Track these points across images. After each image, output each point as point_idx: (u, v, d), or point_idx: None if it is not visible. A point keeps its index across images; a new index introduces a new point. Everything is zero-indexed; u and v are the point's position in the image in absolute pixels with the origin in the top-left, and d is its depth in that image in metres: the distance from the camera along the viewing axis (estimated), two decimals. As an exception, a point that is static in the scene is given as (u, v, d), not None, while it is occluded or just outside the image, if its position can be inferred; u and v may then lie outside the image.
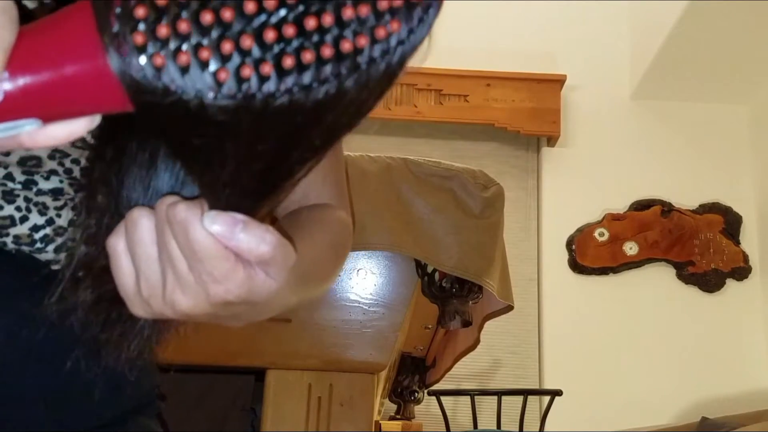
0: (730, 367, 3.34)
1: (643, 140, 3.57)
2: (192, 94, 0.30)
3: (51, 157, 0.47)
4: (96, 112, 0.33)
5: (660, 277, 3.47)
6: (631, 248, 3.47)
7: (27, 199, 0.48)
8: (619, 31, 3.63)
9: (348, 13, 0.30)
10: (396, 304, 1.22)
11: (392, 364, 1.75)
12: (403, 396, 2.23)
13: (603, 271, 3.46)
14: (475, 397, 2.72)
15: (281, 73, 0.30)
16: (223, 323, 0.40)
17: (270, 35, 0.30)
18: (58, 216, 0.49)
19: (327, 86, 0.31)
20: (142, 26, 0.30)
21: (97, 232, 0.41)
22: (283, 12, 0.30)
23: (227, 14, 0.30)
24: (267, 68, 0.30)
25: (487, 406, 2.93)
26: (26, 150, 0.45)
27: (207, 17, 0.30)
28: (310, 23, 0.30)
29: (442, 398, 2.75)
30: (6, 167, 0.47)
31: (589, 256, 3.46)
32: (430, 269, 1.21)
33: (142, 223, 0.36)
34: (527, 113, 3.48)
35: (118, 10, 0.30)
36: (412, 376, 2.11)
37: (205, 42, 0.30)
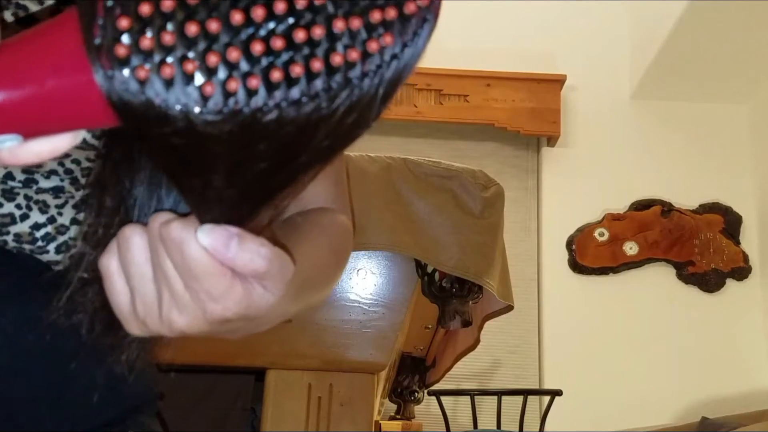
0: (730, 367, 3.34)
1: (643, 140, 3.57)
2: (177, 108, 0.29)
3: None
4: (80, 128, 0.32)
5: (660, 277, 3.47)
6: (631, 248, 3.47)
7: (27, 197, 0.47)
8: (619, 31, 3.63)
9: (339, 25, 0.29)
10: (396, 304, 1.22)
11: (392, 364, 1.75)
12: (403, 396, 2.23)
13: (603, 271, 3.46)
14: (475, 397, 2.72)
15: (269, 86, 0.29)
16: (220, 336, 0.39)
17: (257, 48, 0.29)
18: (60, 214, 0.48)
19: (317, 101, 0.30)
20: (125, 38, 0.29)
21: (105, 234, 0.41)
22: (271, 24, 0.29)
23: (213, 26, 0.29)
24: (254, 82, 0.29)
25: (487, 406, 2.93)
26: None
27: (192, 29, 0.29)
28: (300, 36, 0.29)
29: (442, 398, 2.75)
30: (6, 166, 0.46)
31: (589, 256, 3.46)
32: (430, 269, 1.21)
33: (134, 241, 0.35)
34: (527, 113, 3.48)
35: (100, 21, 0.29)
36: (412, 376, 2.11)
37: (190, 54, 0.29)
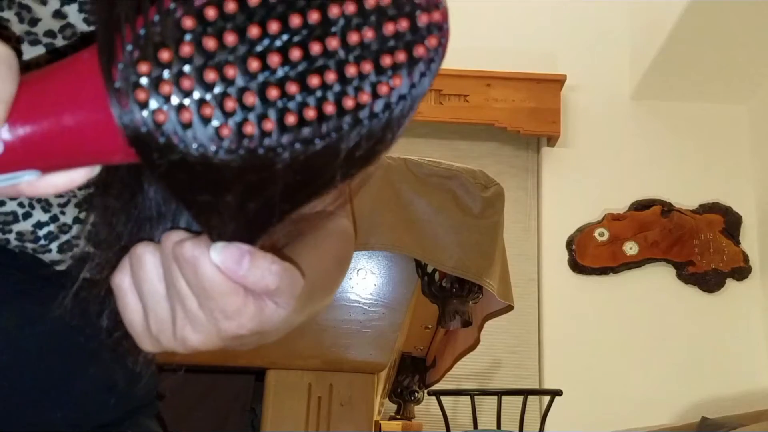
0: (730, 367, 3.33)
1: (643, 140, 3.57)
2: (194, 147, 0.30)
3: None
4: (98, 164, 0.33)
5: (660, 277, 3.46)
6: (631, 248, 3.47)
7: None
8: (619, 31, 3.63)
9: (351, 70, 0.30)
10: (396, 304, 1.22)
11: (392, 364, 1.75)
12: (403, 396, 2.23)
13: (603, 271, 3.46)
14: (475, 397, 2.72)
15: (283, 129, 0.30)
16: (230, 348, 0.40)
17: (273, 93, 0.30)
18: (62, 213, 0.48)
19: (328, 140, 0.31)
20: (144, 82, 0.30)
21: (108, 234, 0.41)
22: (286, 69, 0.30)
23: (231, 71, 0.30)
24: (269, 125, 0.30)
25: (487, 406, 2.93)
26: None
27: (210, 75, 0.30)
28: (314, 81, 0.30)
29: (442, 398, 2.75)
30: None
31: (589, 256, 3.46)
32: (430, 269, 1.21)
33: (147, 259, 0.36)
34: (527, 113, 3.48)
35: (120, 65, 0.30)
36: (412, 376, 2.11)
37: (207, 98, 0.30)
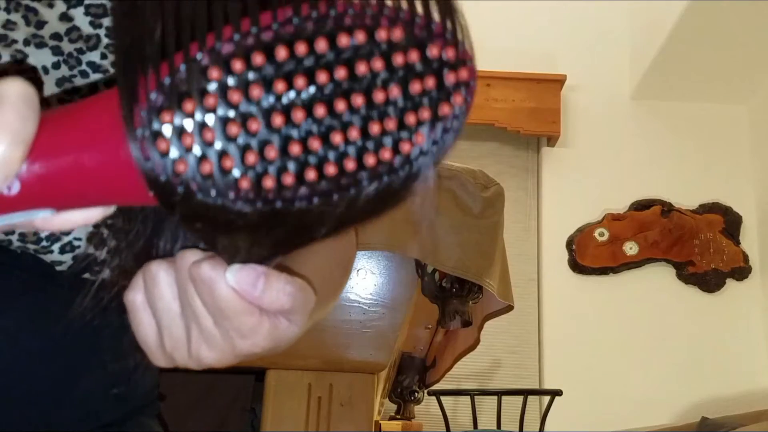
0: (730, 367, 3.33)
1: (643, 140, 3.57)
2: (212, 197, 0.30)
3: None
4: (114, 204, 0.33)
5: (660, 277, 3.46)
6: (631, 248, 3.47)
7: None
8: (619, 30, 3.63)
9: (375, 129, 0.30)
10: (396, 304, 1.22)
11: (392, 364, 1.75)
12: (403, 396, 2.23)
13: (603, 271, 3.45)
14: (475, 397, 2.72)
15: (302, 182, 0.31)
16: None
17: (295, 149, 0.30)
18: None
19: (345, 194, 0.31)
20: (166, 131, 0.30)
21: (109, 235, 0.41)
22: (309, 125, 0.30)
23: (254, 125, 0.30)
24: (289, 179, 0.30)
25: (487, 406, 2.93)
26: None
27: (233, 129, 0.30)
28: (336, 138, 0.30)
29: (442, 398, 2.75)
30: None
31: (589, 256, 3.45)
32: (430, 269, 1.21)
33: (161, 277, 0.36)
34: (527, 113, 3.47)
35: (143, 112, 0.30)
36: (412, 376, 2.11)
37: (229, 150, 0.30)
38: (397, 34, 0.30)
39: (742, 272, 3.43)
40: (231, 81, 0.30)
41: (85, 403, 0.50)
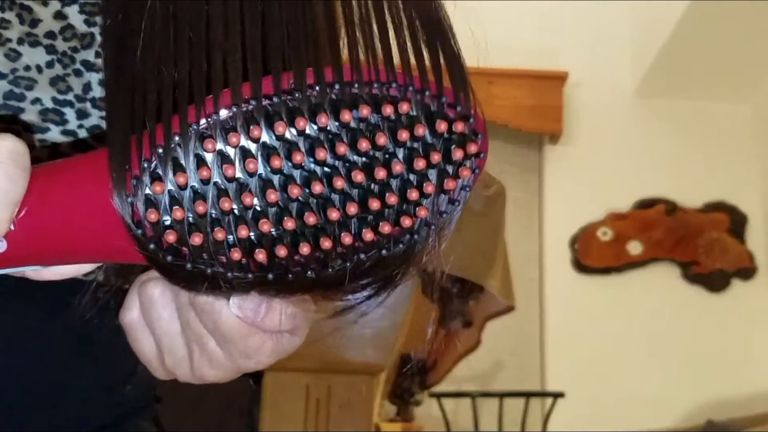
0: (736, 368, 3.31)
1: (647, 138, 3.55)
2: (201, 265, 0.29)
3: (51, 158, 0.45)
4: (104, 262, 0.33)
5: (664, 277, 3.44)
6: (634, 247, 3.45)
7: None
8: (622, 27, 3.61)
9: (374, 204, 0.29)
10: (396, 304, 1.20)
11: (392, 365, 1.73)
12: (402, 398, 2.21)
13: (606, 270, 3.44)
14: (477, 399, 2.71)
15: (296, 254, 0.29)
16: None
17: (289, 224, 0.29)
18: None
19: (341, 265, 0.30)
20: (158, 201, 0.28)
21: None
22: (305, 199, 0.29)
23: (248, 199, 0.28)
24: (282, 251, 0.29)
25: (488, 408, 2.91)
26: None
27: (226, 204, 0.29)
28: (333, 214, 0.29)
29: (443, 400, 2.73)
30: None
31: (593, 255, 3.44)
32: (430, 269, 1.18)
33: (157, 299, 0.36)
34: (529, 110, 3.45)
35: (134, 181, 0.28)
36: (412, 377, 2.08)
37: (222, 222, 0.29)
38: (405, 108, 0.29)
39: (747, 272, 3.41)
40: (227, 152, 0.28)
41: (80, 405, 0.49)
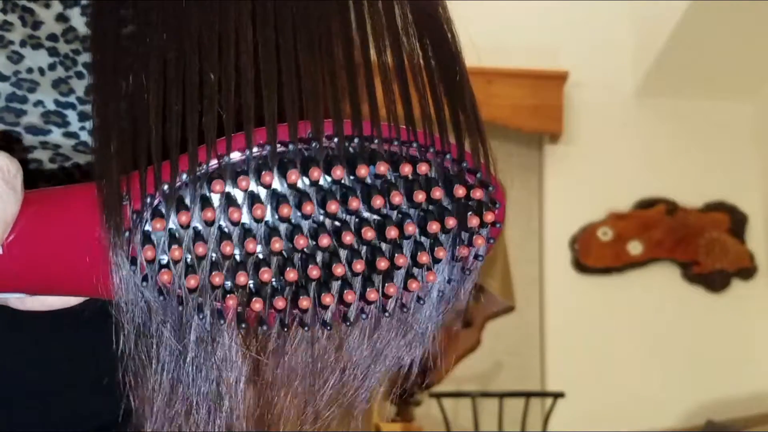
0: (736, 368, 3.30)
1: (647, 138, 3.54)
2: (193, 310, 0.28)
3: (52, 160, 0.45)
4: (91, 297, 0.31)
5: (665, 277, 3.43)
6: (635, 247, 3.44)
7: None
8: (622, 27, 3.60)
9: (382, 264, 0.28)
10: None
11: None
12: (402, 398, 2.20)
13: (606, 270, 3.43)
14: (477, 399, 2.69)
15: (295, 309, 0.29)
16: None
17: (291, 275, 0.28)
18: None
19: (343, 326, 0.29)
20: (156, 239, 0.28)
21: None
22: (310, 251, 0.28)
23: (251, 246, 0.28)
24: (281, 304, 0.28)
25: (488, 408, 2.90)
26: (26, 154, 0.44)
27: (227, 248, 0.27)
28: (338, 270, 0.28)
29: (443, 400, 2.72)
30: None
31: (593, 255, 3.42)
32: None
33: None
34: (529, 110, 3.44)
35: (134, 215, 0.28)
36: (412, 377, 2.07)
37: (220, 266, 0.28)
38: (423, 168, 0.28)
39: (748, 272, 3.40)
40: (234, 196, 0.27)
41: (77, 405, 0.49)
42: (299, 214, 0.27)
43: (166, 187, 0.27)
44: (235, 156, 0.27)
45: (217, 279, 0.27)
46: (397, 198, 0.28)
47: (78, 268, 0.28)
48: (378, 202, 0.27)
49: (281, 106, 0.28)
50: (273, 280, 0.28)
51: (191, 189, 0.27)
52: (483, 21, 3.65)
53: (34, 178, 0.46)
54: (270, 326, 0.29)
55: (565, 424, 3.05)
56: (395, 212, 0.28)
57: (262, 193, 0.27)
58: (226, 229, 0.27)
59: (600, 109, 3.57)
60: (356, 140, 0.28)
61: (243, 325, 0.28)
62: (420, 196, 0.28)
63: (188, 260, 0.27)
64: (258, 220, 0.27)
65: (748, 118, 3.56)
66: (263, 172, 0.27)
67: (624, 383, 3.27)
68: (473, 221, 0.29)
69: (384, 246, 0.28)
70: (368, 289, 0.28)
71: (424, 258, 0.28)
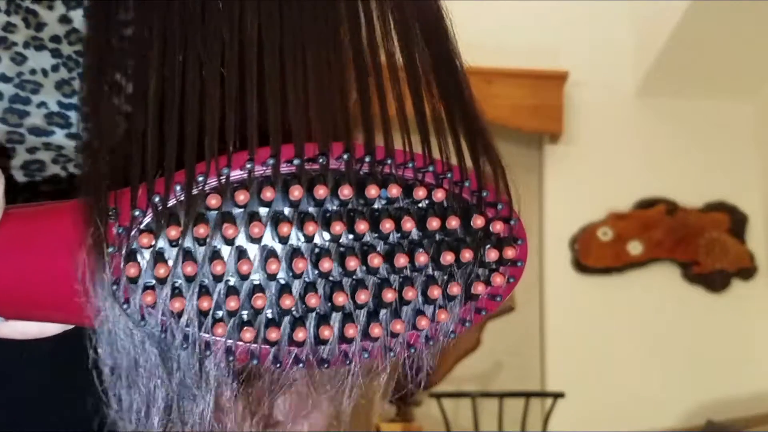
0: (737, 368, 3.30)
1: (647, 138, 3.53)
2: (176, 339, 0.26)
3: (55, 161, 0.45)
4: (68, 323, 0.30)
5: (665, 277, 3.43)
6: (635, 247, 3.43)
7: (27, 200, 0.45)
8: (622, 27, 3.59)
9: (388, 296, 0.26)
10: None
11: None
12: (402, 398, 2.19)
13: (606, 270, 3.42)
14: (477, 399, 2.69)
15: (290, 342, 0.27)
16: None
17: (287, 302, 0.26)
18: None
19: (341, 364, 0.27)
20: (142, 256, 0.26)
21: None
22: (311, 277, 0.26)
23: (244, 268, 0.26)
24: (274, 335, 0.26)
25: (488, 408, 2.89)
26: (29, 155, 0.43)
27: (218, 268, 0.26)
28: (339, 299, 0.26)
29: (443, 400, 2.72)
30: (8, 169, 0.45)
31: (593, 255, 3.42)
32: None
33: None
34: (529, 110, 3.44)
35: (120, 229, 0.25)
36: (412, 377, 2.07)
37: (210, 289, 0.26)
38: (439, 195, 0.26)
39: (748, 272, 3.40)
40: (231, 212, 0.25)
41: (75, 406, 0.47)
42: (300, 235, 0.25)
43: (157, 199, 0.25)
44: (236, 172, 0.25)
45: (205, 303, 0.25)
46: (408, 224, 0.25)
47: (57, 290, 0.26)
48: (387, 226, 0.25)
49: (286, 120, 0.27)
50: (267, 308, 0.26)
51: (186, 200, 0.25)
52: (483, 21, 3.64)
53: (35, 179, 0.45)
54: (261, 361, 0.26)
55: (565, 424, 3.05)
56: (406, 240, 0.26)
57: (262, 210, 0.25)
58: (218, 248, 0.25)
59: (600, 109, 3.57)
60: (367, 159, 0.26)
61: (231, 358, 0.26)
62: (434, 224, 0.26)
63: (176, 282, 0.25)
64: (255, 240, 0.25)
65: (748, 118, 3.56)
66: (264, 188, 0.25)
67: (624, 383, 3.27)
68: (492, 255, 0.27)
69: (392, 277, 0.26)
70: (372, 324, 0.26)
71: (435, 292, 0.26)
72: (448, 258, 0.26)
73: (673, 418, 3.22)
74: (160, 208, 0.25)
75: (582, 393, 3.14)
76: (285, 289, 0.26)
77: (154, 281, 0.25)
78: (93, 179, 0.27)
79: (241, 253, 0.25)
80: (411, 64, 0.31)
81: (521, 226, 0.28)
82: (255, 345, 0.26)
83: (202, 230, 0.25)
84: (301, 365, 0.26)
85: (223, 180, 0.25)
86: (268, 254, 0.25)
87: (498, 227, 0.27)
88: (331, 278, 0.26)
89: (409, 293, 0.26)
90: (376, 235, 0.26)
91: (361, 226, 0.25)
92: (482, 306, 0.27)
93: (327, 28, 0.30)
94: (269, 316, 0.26)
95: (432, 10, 0.33)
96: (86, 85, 0.36)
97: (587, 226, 3.47)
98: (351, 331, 0.26)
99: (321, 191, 0.25)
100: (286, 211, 0.26)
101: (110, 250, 0.25)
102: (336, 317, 0.26)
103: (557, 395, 2.88)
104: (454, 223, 0.26)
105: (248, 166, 0.25)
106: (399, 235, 0.26)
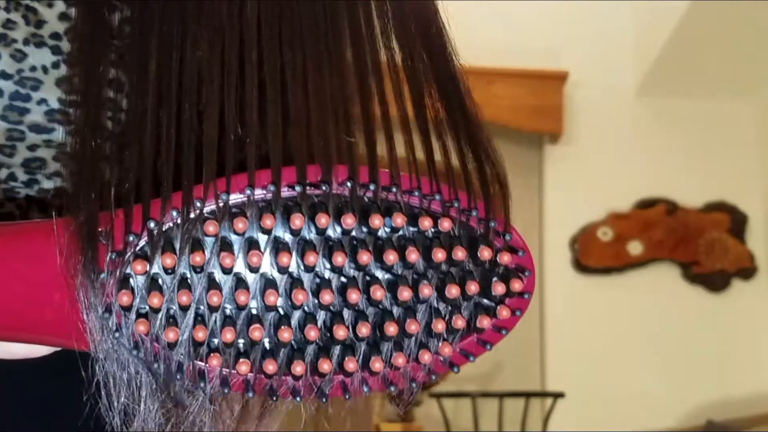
0: (737, 368, 3.30)
1: (647, 138, 3.53)
2: (170, 370, 0.25)
3: (55, 159, 0.45)
4: (59, 346, 0.28)
5: (665, 277, 3.42)
6: (635, 248, 3.43)
7: (29, 197, 0.46)
8: (623, 25, 3.59)
9: (391, 329, 0.25)
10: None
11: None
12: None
13: (606, 270, 3.42)
14: (477, 399, 2.69)
15: (287, 374, 0.26)
16: None
17: (285, 335, 0.25)
18: None
19: (343, 396, 0.26)
20: (136, 284, 0.25)
21: None
22: (311, 309, 0.25)
23: (242, 298, 0.25)
24: (270, 368, 0.25)
25: (488, 408, 2.89)
26: (30, 152, 0.43)
27: (214, 299, 0.25)
28: (340, 333, 0.25)
29: (443, 400, 2.72)
30: (9, 167, 0.45)
31: (593, 255, 3.42)
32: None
33: None
34: (529, 110, 3.44)
35: (113, 255, 0.24)
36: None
37: (205, 320, 0.25)
38: (446, 225, 0.25)
39: (748, 272, 3.40)
40: (229, 239, 0.24)
41: (73, 409, 0.45)
42: (301, 264, 0.24)
43: (153, 224, 0.24)
44: (235, 195, 0.24)
45: (200, 334, 0.24)
46: (413, 255, 0.24)
47: (44, 312, 0.25)
48: (391, 257, 0.24)
49: (287, 144, 0.25)
50: (265, 339, 0.25)
51: (182, 227, 0.24)
52: (483, 21, 3.64)
53: (36, 176, 0.45)
54: (257, 393, 0.25)
55: (565, 424, 3.05)
56: (410, 272, 0.25)
57: (261, 238, 0.24)
58: (215, 277, 0.24)
59: (600, 109, 3.57)
60: (372, 187, 0.25)
61: (226, 390, 0.25)
62: (439, 255, 0.25)
63: (170, 310, 0.24)
64: (253, 269, 0.24)
65: (748, 118, 3.55)
66: (264, 215, 0.24)
67: (624, 383, 3.27)
68: (498, 288, 0.26)
69: (395, 309, 0.25)
70: (373, 358, 0.25)
71: (439, 326, 0.25)
72: (453, 291, 0.25)
73: (673, 418, 3.22)
74: (156, 233, 0.24)
75: (582, 393, 3.14)
76: (283, 320, 0.25)
77: (147, 308, 0.24)
78: (83, 196, 0.25)
79: (239, 282, 0.24)
80: (410, 64, 0.30)
81: (530, 257, 0.27)
82: (251, 375, 0.25)
83: (198, 258, 0.24)
84: (298, 398, 0.26)
85: (221, 204, 0.24)
86: (267, 284, 0.25)
87: (506, 259, 0.26)
88: (331, 308, 0.25)
89: (412, 326, 0.25)
90: (379, 265, 0.25)
91: (364, 258, 0.25)
92: (486, 339, 0.27)
93: (327, 33, 0.30)
94: (267, 346, 0.25)
95: (428, 10, 0.32)
96: (81, 88, 0.35)
97: (587, 226, 3.46)
98: (351, 365, 0.25)
99: (323, 220, 0.24)
100: (287, 238, 0.25)
101: (102, 276, 0.24)
102: (336, 350, 0.25)
103: (557, 395, 2.88)
104: (460, 254, 0.25)
105: (248, 192, 0.24)
106: (403, 266, 0.25)
